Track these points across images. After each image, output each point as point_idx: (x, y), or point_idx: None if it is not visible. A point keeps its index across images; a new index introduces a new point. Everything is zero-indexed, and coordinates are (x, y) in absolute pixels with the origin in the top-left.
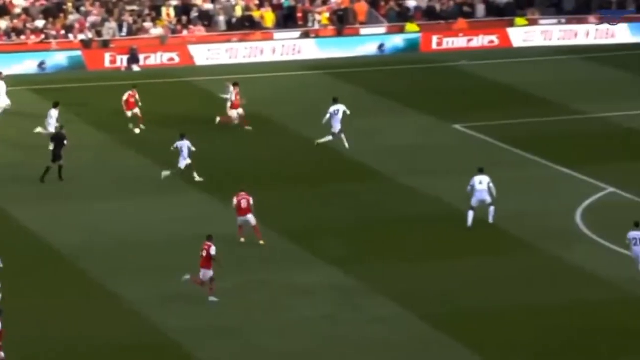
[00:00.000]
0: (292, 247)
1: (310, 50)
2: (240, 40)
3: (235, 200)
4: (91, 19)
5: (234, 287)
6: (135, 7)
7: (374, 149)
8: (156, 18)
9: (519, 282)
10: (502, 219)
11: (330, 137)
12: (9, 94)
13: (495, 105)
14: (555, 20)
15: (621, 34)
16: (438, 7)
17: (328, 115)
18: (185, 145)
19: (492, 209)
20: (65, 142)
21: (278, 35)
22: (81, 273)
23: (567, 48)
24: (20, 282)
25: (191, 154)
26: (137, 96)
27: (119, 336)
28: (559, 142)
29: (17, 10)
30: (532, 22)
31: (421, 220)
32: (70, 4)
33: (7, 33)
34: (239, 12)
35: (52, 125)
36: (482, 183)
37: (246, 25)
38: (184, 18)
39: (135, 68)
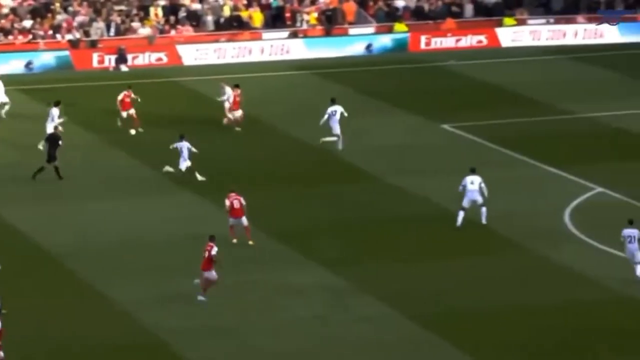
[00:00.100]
0: (284, 248)
1: (299, 50)
2: (229, 40)
3: (227, 202)
4: (79, 18)
5: (227, 288)
6: (123, 7)
7: (362, 149)
8: (144, 18)
9: (508, 282)
10: (490, 219)
11: (334, 138)
12: None
13: (483, 105)
14: (543, 20)
15: (609, 34)
16: (426, 7)
17: (326, 116)
18: (184, 146)
19: (483, 209)
20: (60, 142)
21: (266, 35)
22: (72, 274)
23: (555, 48)
24: (12, 282)
25: (191, 155)
26: (132, 96)
27: (112, 336)
28: (547, 141)
29: (5, 10)
30: (521, 22)
31: (410, 220)
32: (57, 4)
33: None
34: (227, 12)
35: (52, 124)
36: (473, 183)
37: (234, 25)
38: (172, 18)
39: (123, 68)
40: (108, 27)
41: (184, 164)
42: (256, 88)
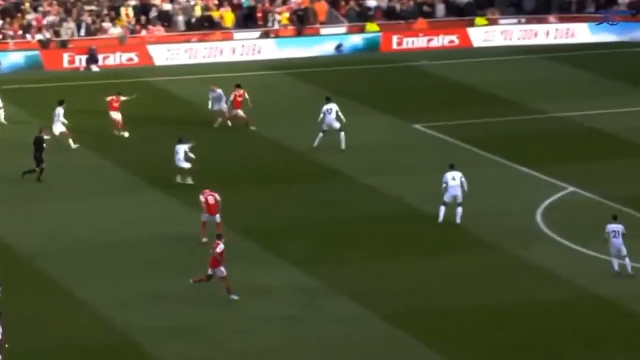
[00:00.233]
0: (255, 247)
1: (271, 50)
2: (200, 41)
3: (202, 198)
4: (49, 19)
5: (197, 287)
6: (94, 7)
7: (335, 149)
8: (115, 18)
9: (479, 281)
10: (462, 218)
11: (320, 134)
12: None
13: (455, 105)
14: (515, 20)
15: (581, 33)
16: (398, 7)
17: (322, 115)
18: (182, 149)
19: (460, 210)
20: (44, 145)
21: (238, 35)
22: (41, 274)
23: (527, 48)
24: None
25: (188, 159)
26: (121, 100)
27: (82, 336)
28: (520, 141)
29: None
30: (492, 22)
31: (383, 220)
32: (28, 4)
33: None
34: (198, 12)
35: (58, 123)
36: (455, 179)
37: (206, 26)
38: (143, 18)
39: (94, 68)
40: (79, 28)
41: (186, 164)
42: (228, 89)
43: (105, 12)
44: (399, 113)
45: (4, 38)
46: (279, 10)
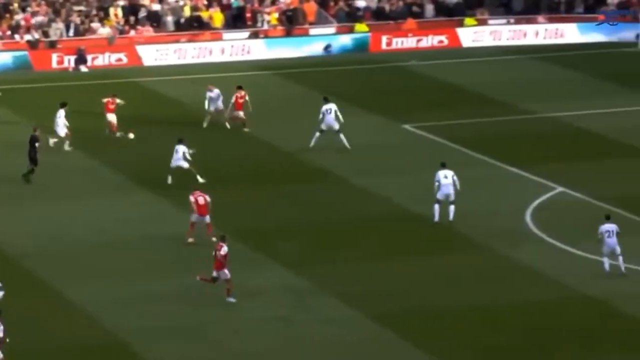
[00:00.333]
0: (246, 248)
1: (260, 50)
2: (189, 41)
3: (192, 198)
4: (38, 19)
5: (188, 287)
6: (82, 8)
7: (325, 149)
8: (104, 18)
9: (469, 281)
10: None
11: (317, 134)
12: None
13: (444, 105)
14: (504, 20)
15: (570, 33)
16: (387, 7)
17: (321, 115)
18: (181, 148)
19: (452, 207)
20: (37, 144)
21: (227, 35)
22: (30, 274)
23: (516, 48)
24: None
25: (186, 158)
26: (118, 101)
27: (72, 337)
28: (509, 141)
29: None
30: (481, 22)
31: (372, 220)
32: (16, 4)
33: None
34: (187, 12)
35: (60, 125)
36: (447, 177)
37: (194, 26)
38: (132, 18)
39: (83, 69)
40: (67, 28)
41: (185, 164)
42: (221, 89)
43: (94, 12)
44: (388, 113)
45: None
46: (267, 10)
